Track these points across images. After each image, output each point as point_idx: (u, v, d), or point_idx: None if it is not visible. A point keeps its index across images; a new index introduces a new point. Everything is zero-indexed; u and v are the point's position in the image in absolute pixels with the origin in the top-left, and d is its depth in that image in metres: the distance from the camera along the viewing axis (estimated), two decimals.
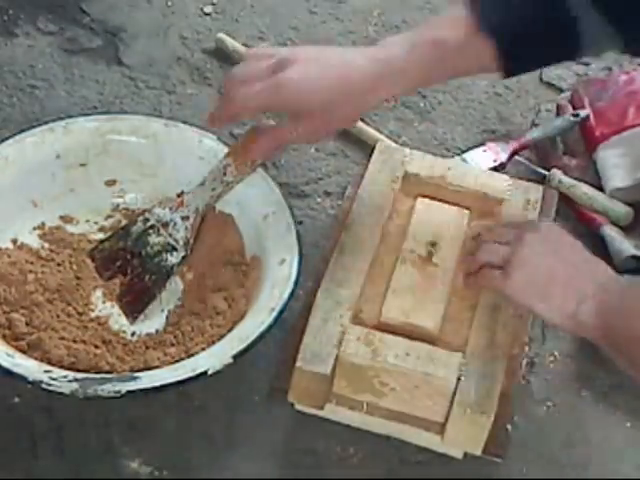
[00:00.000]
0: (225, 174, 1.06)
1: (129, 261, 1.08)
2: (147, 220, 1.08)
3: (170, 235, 1.07)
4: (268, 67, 0.97)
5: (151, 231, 1.08)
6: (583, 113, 1.29)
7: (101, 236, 1.12)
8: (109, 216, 1.15)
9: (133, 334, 1.04)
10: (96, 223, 1.14)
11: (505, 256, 0.96)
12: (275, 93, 0.97)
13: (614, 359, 0.92)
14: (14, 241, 1.09)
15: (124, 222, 1.14)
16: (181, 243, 1.07)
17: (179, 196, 1.09)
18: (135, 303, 1.06)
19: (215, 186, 1.07)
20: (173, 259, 1.07)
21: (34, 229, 1.11)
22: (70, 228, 1.12)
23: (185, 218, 1.07)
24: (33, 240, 1.10)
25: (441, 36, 0.97)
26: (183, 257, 1.07)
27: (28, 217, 1.11)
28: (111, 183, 1.16)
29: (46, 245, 1.10)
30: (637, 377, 0.90)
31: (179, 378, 0.94)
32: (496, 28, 0.96)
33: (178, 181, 1.15)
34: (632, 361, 0.89)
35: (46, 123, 1.15)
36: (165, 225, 1.08)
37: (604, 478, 1.00)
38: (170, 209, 1.08)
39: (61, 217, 1.13)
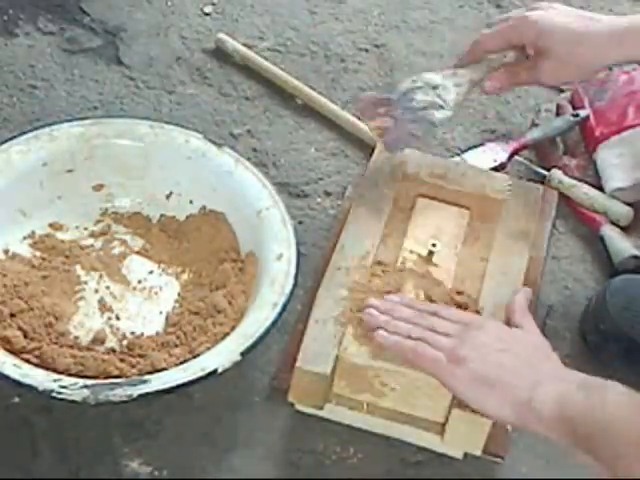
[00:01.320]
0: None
1: (394, 109, 1.08)
2: (414, 81, 1.09)
3: (439, 96, 1.08)
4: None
5: (418, 90, 1.09)
6: (583, 113, 1.29)
7: (92, 242, 1.12)
8: (98, 221, 1.14)
9: (136, 337, 1.04)
10: (86, 229, 1.14)
11: (450, 347, 0.92)
12: (519, 27, 1.06)
13: (572, 450, 0.87)
14: (6, 251, 1.09)
15: (114, 226, 1.13)
16: (451, 104, 1.09)
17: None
18: (396, 142, 1.09)
19: (490, 62, 1.10)
20: (439, 115, 1.08)
21: (24, 238, 1.11)
22: (60, 235, 1.12)
23: (458, 85, 1.09)
24: (24, 250, 1.10)
25: None
26: (450, 117, 1.09)
27: (18, 227, 1.11)
28: (99, 188, 1.16)
29: (38, 254, 1.10)
30: (601, 471, 0.84)
31: (189, 379, 0.94)
32: None
33: (166, 182, 1.15)
34: (595, 454, 0.84)
35: (46, 124, 1.15)
36: (435, 87, 1.09)
37: (603, 478, 1.00)
38: (442, 76, 1.10)
39: (50, 225, 1.13)
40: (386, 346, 0.95)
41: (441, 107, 1.08)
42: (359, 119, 1.24)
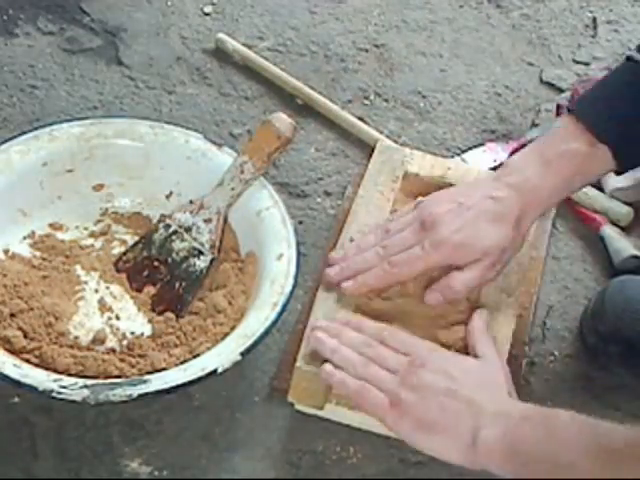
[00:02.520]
0: (243, 172, 1.07)
1: (156, 269, 1.08)
2: (168, 226, 1.08)
3: (195, 239, 1.07)
4: (414, 229, 0.98)
5: (174, 237, 1.08)
6: None
7: (92, 242, 1.12)
8: (98, 221, 1.14)
9: (136, 337, 1.04)
10: (86, 229, 1.13)
11: (392, 390, 0.90)
12: (435, 253, 0.97)
13: None
14: (6, 251, 1.09)
15: (114, 226, 1.13)
16: (207, 246, 1.07)
17: (193, 202, 1.09)
18: (169, 312, 1.05)
19: (234, 185, 1.08)
20: (201, 263, 1.07)
21: (24, 238, 1.11)
22: (60, 235, 1.12)
23: (207, 221, 1.08)
24: (24, 249, 1.10)
25: (571, 149, 0.99)
26: (212, 260, 1.07)
27: (18, 227, 1.11)
28: (99, 188, 1.16)
29: (37, 254, 1.10)
30: None
31: (189, 379, 0.94)
32: (614, 140, 0.98)
33: (166, 182, 1.15)
34: None
35: (46, 124, 1.15)
36: (188, 230, 1.08)
37: (603, 478, 1.00)
38: (191, 213, 1.08)
39: (50, 225, 1.12)
40: (332, 383, 0.93)
41: (200, 252, 1.06)
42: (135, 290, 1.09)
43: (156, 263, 1.08)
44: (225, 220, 1.09)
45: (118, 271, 1.08)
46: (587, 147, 0.99)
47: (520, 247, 1.02)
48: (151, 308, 1.06)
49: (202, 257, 1.07)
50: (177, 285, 1.07)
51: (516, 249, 1.01)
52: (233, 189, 1.08)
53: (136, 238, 1.13)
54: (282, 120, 1.09)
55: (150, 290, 1.07)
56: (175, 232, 1.08)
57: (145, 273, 1.08)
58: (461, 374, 0.91)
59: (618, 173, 1.02)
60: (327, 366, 0.93)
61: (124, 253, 1.09)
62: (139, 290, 1.07)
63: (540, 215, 1.02)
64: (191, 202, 1.09)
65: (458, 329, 1.00)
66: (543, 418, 0.86)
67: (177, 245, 1.08)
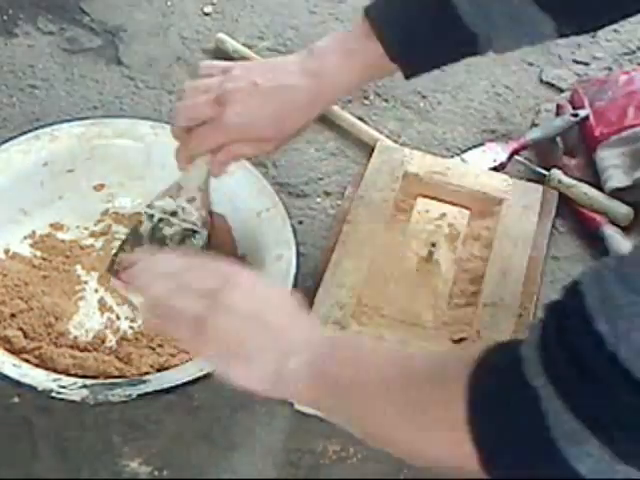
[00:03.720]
0: None
1: None
2: (152, 216, 1.07)
3: (184, 221, 1.06)
4: (209, 99, 1.00)
5: (161, 224, 1.07)
6: (583, 113, 1.29)
7: (92, 241, 1.12)
8: (99, 221, 1.14)
9: (136, 337, 1.04)
10: (86, 229, 1.13)
11: (196, 314, 0.83)
12: (223, 133, 1.00)
13: (327, 414, 0.86)
14: (6, 251, 1.09)
15: (114, 226, 1.13)
16: (199, 224, 1.06)
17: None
18: None
19: (206, 159, 1.04)
20: (199, 241, 1.06)
21: (25, 238, 1.11)
22: (61, 235, 1.12)
23: (191, 200, 1.06)
24: (25, 249, 1.10)
25: (364, 45, 1.01)
26: (208, 236, 1.06)
27: (18, 226, 1.11)
28: (99, 188, 1.16)
29: (38, 254, 1.10)
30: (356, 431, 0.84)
31: (188, 379, 0.94)
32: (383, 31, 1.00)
33: (166, 182, 1.14)
34: (350, 413, 0.81)
35: (47, 124, 1.15)
36: (174, 214, 1.07)
37: (603, 478, 1.00)
38: (171, 197, 1.07)
39: (51, 225, 1.12)
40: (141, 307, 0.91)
41: (194, 231, 1.06)
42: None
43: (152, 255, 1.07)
44: (207, 194, 1.07)
45: (114, 276, 1.06)
46: (371, 42, 1.00)
47: (304, 129, 1.05)
48: None
49: (197, 236, 1.06)
50: None
51: (300, 131, 1.04)
52: (208, 162, 1.05)
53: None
54: None
55: None
56: (160, 220, 1.07)
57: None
58: (269, 301, 0.85)
59: (406, 77, 1.03)
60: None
61: (114, 256, 1.08)
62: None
63: (332, 104, 1.07)
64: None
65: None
66: (350, 344, 0.84)
67: (167, 231, 1.06)
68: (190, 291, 0.85)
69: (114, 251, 1.09)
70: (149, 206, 1.08)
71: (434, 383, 0.75)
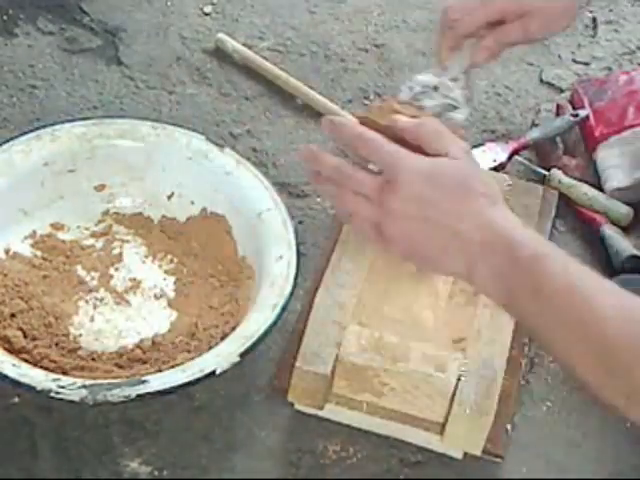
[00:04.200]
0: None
1: None
2: (412, 88, 1.03)
3: (445, 96, 1.03)
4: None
5: (421, 96, 1.02)
6: (583, 113, 1.29)
7: (93, 242, 1.12)
8: (100, 221, 1.14)
9: (136, 338, 1.04)
10: (87, 229, 1.13)
11: (373, 222, 0.84)
12: (493, 2, 1.02)
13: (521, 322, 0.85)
14: (7, 251, 1.08)
15: (115, 227, 1.13)
16: (461, 100, 1.04)
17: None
18: None
19: (473, 42, 1.05)
20: (460, 115, 1.03)
21: (25, 238, 1.11)
22: (61, 235, 1.12)
23: (454, 79, 1.05)
24: (25, 249, 1.10)
25: None
26: (469, 114, 1.04)
27: (19, 226, 1.11)
28: (100, 188, 1.15)
29: (38, 253, 1.09)
30: (550, 351, 0.84)
31: (188, 379, 0.94)
32: None
33: (167, 183, 1.15)
34: (540, 335, 0.81)
35: (47, 124, 1.15)
36: (435, 88, 1.03)
37: (604, 478, 1.00)
38: (434, 74, 1.05)
39: (52, 225, 1.12)
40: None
41: (455, 107, 1.03)
42: None
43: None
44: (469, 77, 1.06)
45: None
46: None
47: (563, 25, 1.07)
48: None
49: (458, 110, 1.03)
50: None
51: (559, 24, 1.06)
52: (470, 47, 1.05)
53: (137, 238, 1.13)
54: None
55: None
56: (422, 92, 1.03)
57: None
58: (438, 195, 0.82)
59: None
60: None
61: (366, 119, 0.93)
62: None
63: None
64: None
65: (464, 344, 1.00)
66: (528, 259, 0.80)
67: (427, 102, 1.02)
68: (357, 190, 0.85)
69: (122, 251, 1.10)
70: (410, 80, 1.04)
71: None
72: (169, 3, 1.45)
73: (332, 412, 1.00)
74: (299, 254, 1.06)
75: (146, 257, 1.11)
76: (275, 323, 0.99)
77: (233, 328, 1.02)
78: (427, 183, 0.83)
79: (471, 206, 0.82)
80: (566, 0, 1.04)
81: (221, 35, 1.39)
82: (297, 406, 1.00)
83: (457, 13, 1.05)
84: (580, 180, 1.24)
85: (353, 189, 0.86)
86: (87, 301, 1.07)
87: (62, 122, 1.15)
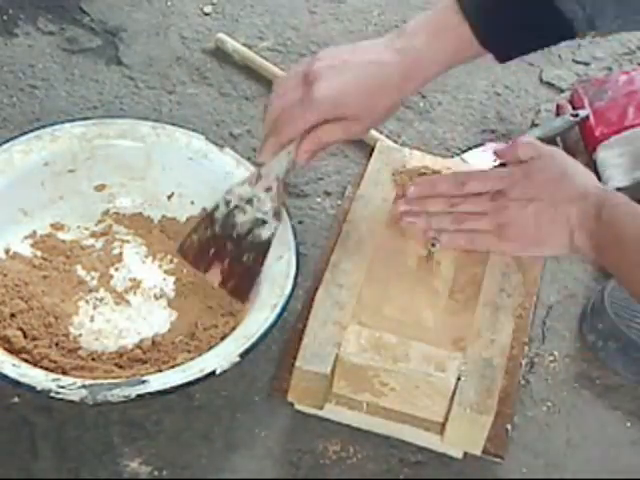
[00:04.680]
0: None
1: (222, 247, 1.06)
2: (229, 202, 1.07)
3: (257, 210, 1.06)
4: (298, 84, 1.00)
5: (236, 211, 1.06)
6: (583, 113, 1.29)
7: (93, 242, 1.12)
8: (100, 221, 1.14)
9: (136, 338, 1.04)
10: (87, 229, 1.13)
11: (491, 221, 1.04)
12: (313, 110, 0.99)
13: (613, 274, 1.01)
14: (6, 251, 1.08)
15: (115, 227, 1.13)
16: (270, 214, 1.06)
17: (258, 172, 1.07)
18: (240, 286, 1.05)
19: (290, 149, 1.05)
20: (266, 232, 1.05)
21: (25, 238, 1.10)
22: (61, 235, 1.12)
23: (268, 189, 1.06)
24: (25, 249, 1.10)
25: (452, 24, 0.99)
26: (276, 228, 1.06)
27: (19, 226, 1.10)
28: (100, 188, 1.15)
29: (38, 254, 1.09)
30: (632, 293, 0.95)
31: (187, 380, 0.94)
32: (475, 19, 0.99)
33: (167, 183, 1.15)
34: (621, 277, 0.97)
35: (47, 124, 1.15)
36: (249, 201, 1.06)
37: (603, 478, 1.01)
38: (249, 184, 1.06)
39: (52, 225, 1.12)
40: (443, 244, 1.06)
41: (264, 222, 1.05)
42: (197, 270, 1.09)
43: (221, 240, 1.07)
44: (286, 185, 1.08)
45: (183, 256, 1.08)
46: (462, 25, 0.99)
47: (396, 109, 1.05)
48: (221, 285, 1.06)
49: (266, 226, 1.06)
50: (245, 258, 1.06)
51: (390, 112, 1.04)
52: (289, 153, 1.05)
53: (137, 239, 1.13)
54: None
55: (219, 268, 1.06)
56: (236, 206, 1.06)
57: (211, 252, 1.07)
58: (539, 186, 1.02)
59: (500, 62, 1.02)
60: (430, 233, 1.07)
61: (187, 236, 1.08)
62: (206, 270, 1.06)
63: (422, 84, 1.03)
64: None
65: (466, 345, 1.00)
66: (610, 208, 0.98)
67: (240, 219, 1.06)
68: (476, 209, 1.06)
69: (122, 250, 1.11)
70: (228, 192, 1.07)
71: None
72: (169, 3, 1.45)
73: (332, 412, 1.00)
74: (299, 254, 1.06)
75: (146, 257, 1.11)
76: (275, 323, 0.99)
77: (233, 328, 1.02)
78: (526, 181, 1.03)
79: (564, 189, 1.02)
80: (388, 100, 1.01)
81: (221, 35, 1.39)
82: (297, 406, 1.00)
83: (278, 109, 1.02)
84: None
85: (469, 210, 1.06)
86: (87, 301, 1.07)
87: (62, 122, 1.15)
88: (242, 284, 1.06)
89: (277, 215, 1.06)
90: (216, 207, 1.07)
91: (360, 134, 1.05)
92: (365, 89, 0.99)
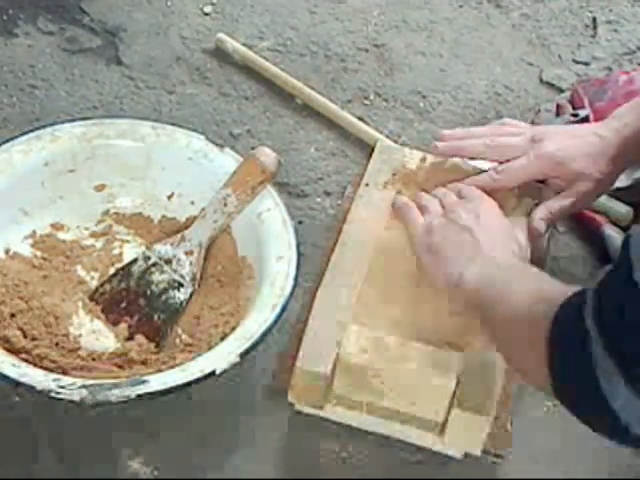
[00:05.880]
0: (226, 205, 1.07)
1: (134, 301, 1.06)
2: (148, 258, 1.08)
3: (175, 271, 1.06)
4: (524, 139, 1.10)
5: (154, 269, 1.07)
6: (583, 113, 1.29)
7: (93, 242, 1.12)
8: (100, 221, 1.14)
9: (136, 338, 1.04)
10: (87, 229, 1.13)
11: (431, 216, 1.06)
12: (538, 164, 1.08)
13: (483, 331, 0.94)
14: (6, 251, 1.08)
15: (115, 227, 1.13)
16: (187, 279, 1.06)
17: (186, 226, 1.09)
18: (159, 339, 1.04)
19: (216, 218, 1.07)
20: (181, 295, 1.06)
21: (25, 238, 1.10)
22: (61, 235, 1.12)
23: (189, 253, 1.07)
24: (25, 249, 1.10)
25: None
26: (191, 293, 1.06)
27: (19, 226, 1.11)
28: (100, 188, 1.15)
29: (38, 253, 1.09)
30: (503, 356, 0.92)
31: (187, 380, 0.94)
32: None
33: (167, 183, 1.15)
34: (496, 339, 0.91)
35: (47, 124, 1.15)
36: (168, 262, 1.07)
37: (603, 478, 1.01)
38: (172, 245, 1.07)
39: (52, 225, 1.12)
40: (392, 207, 1.10)
41: (180, 285, 1.06)
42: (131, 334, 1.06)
43: (134, 295, 1.07)
44: (207, 252, 1.08)
45: (94, 303, 1.06)
46: None
47: (609, 187, 1.11)
48: (127, 340, 1.04)
49: (182, 289, 1.06)
50: (156, 317, 1.05)
51: (605, 187, 1.11)
52: (215, 221, 1.07)
53: (137, 238, 1.13)
54: (267, 154, 1.09)
55: (127, 322, 1.05)
56: (155, 264, 1.07)
57: (123, 305, 1.06)
58: (489, 224, 1.03)
59: None
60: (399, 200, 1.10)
61: (101, 285, 1.08)
62: (116, 322, 1.05)
63: (634, 162, 1.12)
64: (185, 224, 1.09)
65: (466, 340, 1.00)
66: (514, 267, 0.96)
67: (156, 277, 1.07)
68: (443, 200, 1.07)
69: (123, 251, 1.11)
70: (148, 248, 1.08)
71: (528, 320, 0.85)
72: (169, 3, 1.45)
73: (332, 412, 1.00)
74: (299, 254, 1.06)
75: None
76: (275, 323, 0.99)
77: (233, 328, 1.02)
78: (489, 212, 1.05)
79: (501, 239, 1.02)
80: (605, 168, 1.08)
81: (221, 35, 1.39)
82: (297, 406, 1.00)
83: (500, 155, 1.12)
84: None
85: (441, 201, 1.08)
86: (87, 301, 1.07)
87: (62, 122, 1.15)
88: (161, 342, 1.04)
89: (194, 281, 1.06)
90: (134, 261, 1.08)
91: (590, 199, 1.11)
92: (586, 153, 1.07)
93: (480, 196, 1.07)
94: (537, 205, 1.09)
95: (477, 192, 1.08)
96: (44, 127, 1.14)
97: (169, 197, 1.16)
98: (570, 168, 1.08)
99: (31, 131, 1.13)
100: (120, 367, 1.00)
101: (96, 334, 1.04)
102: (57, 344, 1.01)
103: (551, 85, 1.40)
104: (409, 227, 1.07)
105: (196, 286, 1.07)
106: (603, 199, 1.21)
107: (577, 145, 1.09)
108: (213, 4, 1.46)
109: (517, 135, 1.12)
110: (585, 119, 1.29)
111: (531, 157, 1.08)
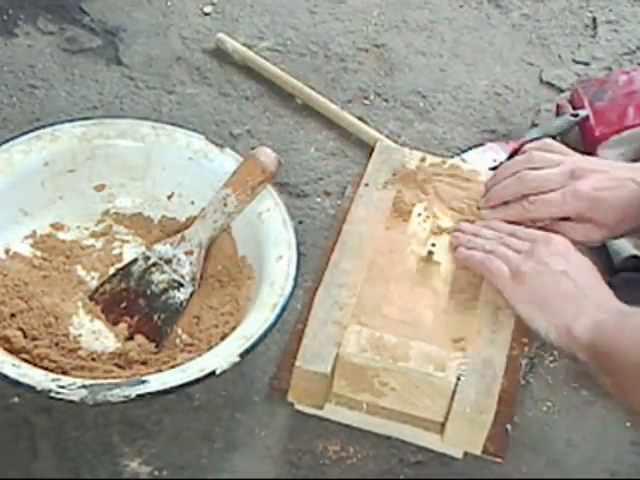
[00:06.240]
0: (226, 205, 1.07)
1: (134, 301, 1.06)
2: (148, 258, 1.08)
3: (175, 271, 1.07)
4: (563, 173, 1.07)
5: (154, 269, 1.07)
6: (583, 113, 1.29)
7: (93, 242, 1.12)
8: (100, 221, 1.14)
9: (136, 338, 1.04)
10: (87, 229, 1.13)
11: (515, 263, 1.00)
12: (573, 202, 1.05)
13: (599, 379, 0.93)
14: (7, 251, 1.08)
15: (115, 227, 1.13)
16: (187, 279, 1.06)
17: (186, 226, 1.08)
18: (157, 339, 1.04)
19: (216, 218, 1.07)
20: (181, 295, 1.06)
21: (25, 238, 1.10)
22: (61, 235, 1.12)
23: (189, 253, 1.07)
24: (25, 249, 1.10)
25: None
26: (191, 293, 1.06)
27: (19, 226, 1.10)
28: (100, 188, 1.15)
29: (38, 254, 1.09)
30: (622, 402, 0.91)
31: (187, 379, 0.94)
32: None
33: (167, 183, 1.15)
34: (616, 386, 0.90)
35: (47, 124, 1.15)
36: (168, 262, 1.07)
37: (604, 478, 1.00)
38: (171, 245, 1.08)
39: (52, 225, 1.12)
40: (458, 259, 1.05)
41: (180, 285, 1.06)
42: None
43: (134, 295, 1.07)
44: (207, 252, 1.08)
45: (94, 303, 1.06)
46: None
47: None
48: (127, 340, 1.04)
49: (182, 289, 1.06)
50: (155, 317, 1.05)
51: (621, 232, 1.09)
52: (215, 222, 1.08)
53: (137, 238, 1.13)
54: (267, 154, 1.09)
55: (128, 322, 1.05)
56: (155, 264, 1.07)
57: (122, 305, 1.06)
58: (576, 261, 1.00)
59: None
60: (460, 247, 1.05)
61: (101, 285, 1.08)
62: (116, 322, 1.05)
63: None
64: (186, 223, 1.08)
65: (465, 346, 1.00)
66: (630, 315, 0.92)
67: (156, 277, 1.07)
68: (513, 245, 1.02)
69: (123, 250, 1.11)
70: (149, 249, 1.09)
71: None
72: (169, 3, 1.45)
73: (332, 412, 1.00)
74: (299, 254, 1.06)
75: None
76: (275, 323, 0.99)
77: (233, 328, 1.02)
78: (572, 252, 1.01)
79: (598, 280, 0.99)
80: (636, 220, 1.06)
81: (221, 35, 1.39)
82: (297, 406, 1.00)
83: (537, 187, 1.08)
84: None
85: (508, 246, 1.03)
86: (87, 301, 1.07)
87: (62, 122, 1.15)
88: (160, 341, 1.04)
89: (194, 281, 1.06)
90: (134, 261, 1.08)
91: (597, 242, 1.09)
92: (621, 201, 1.05)
93: (549, 235, 1.03)
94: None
95: (539, 232, 1.04)
96: (44, 127, 1.14)
97: (169, 197, 1.16)
98: (603, 213, 1.05)
99: (31, 131, 1.13)
100: (120, 367, 1.00)
101: (96, 334, 1.04)
102: (57, 344, 1.01)
103: (551, 85, 1.40)
104: (494, 277, 1.01)
105: (196, 286, 1.07)
106: None
107: (615, 192, 1.05)
108: (213, 4, 1.46)
109: (556, 166, 1.08)
110: (585, 119, 1.29)
111: (567, 195, 1.05)
